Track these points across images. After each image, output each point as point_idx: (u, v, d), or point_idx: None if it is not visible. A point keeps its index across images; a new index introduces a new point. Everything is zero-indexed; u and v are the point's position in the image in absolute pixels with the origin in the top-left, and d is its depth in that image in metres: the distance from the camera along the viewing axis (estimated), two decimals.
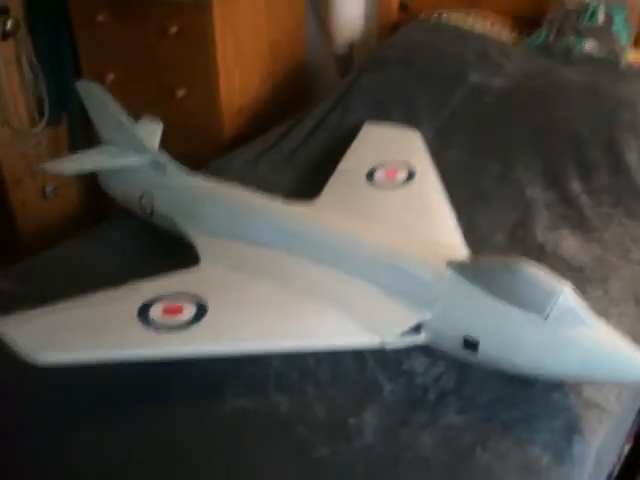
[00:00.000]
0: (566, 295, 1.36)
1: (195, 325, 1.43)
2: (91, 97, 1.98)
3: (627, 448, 1.88)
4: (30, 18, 2.73)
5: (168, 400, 1.44)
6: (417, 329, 1.48)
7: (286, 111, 2.66)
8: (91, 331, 1.42)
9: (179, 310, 1.47)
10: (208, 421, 1.40)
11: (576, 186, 2.03)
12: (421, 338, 1.48)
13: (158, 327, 1.42)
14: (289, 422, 1.38)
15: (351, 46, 2.99)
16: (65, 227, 2.95)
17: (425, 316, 1.46)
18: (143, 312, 1.46)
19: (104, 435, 1.37)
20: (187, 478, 1.31)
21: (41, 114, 2.85)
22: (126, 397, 1.44)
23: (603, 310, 1.60)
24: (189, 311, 1.47)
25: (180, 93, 2.63)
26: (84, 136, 2.85)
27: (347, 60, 3.01)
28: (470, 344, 1.43)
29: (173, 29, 2.53)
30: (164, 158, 1.91)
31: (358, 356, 1.50)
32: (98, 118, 2.01)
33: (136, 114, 2.13)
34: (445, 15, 2.69)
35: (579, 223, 1.91)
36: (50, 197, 2.96)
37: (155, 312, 1.46)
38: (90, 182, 2.17)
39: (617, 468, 1.77)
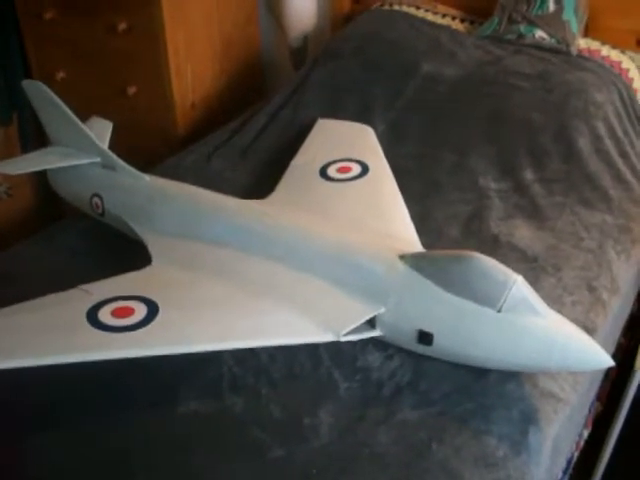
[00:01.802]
0: (518, 286, 1.36)
1: (146, 326, 1.41)
2: (38, 97, 1.94)
3: (586, 433, 1.90)
4: None
5: (120, 405, 1.41)
6: (371, 323, 1.47)
7: (241, 105, 2.64)
8: (40, 335, 1.39)
9: (130, 312, 1.45)
10: (162, 425, 1.37)
11: (529, 175, 2.04)
12: (375, 332, 1.48)
13: (108, 329, 1.40)
14: (244, 423, 1.37)
15: (305, 38, 2.97)
16: (19, 227, 2.90)
17: (379, 310, 1.45)
18: (92, 314, 1.43)
19: (54, 441, 1.34)
20: None
21: None
22: (77, 403, 1.41)
23: (557, 299, 1.62)
24: (140, 312, 1.44)
25: (132, 90, 2.60)
26: (36, 136, 2.80)
27: (301, 52, 2.99)
28: (424, 337, 1.43)
29: (122, 25, 2.49)
30: (114, 157, 1.87)
31: (313, 354, 1.49)
32: (46, 118, 1.97)
33: (87, 112, 2.10)
34: (397, 7, 2.68)
35: (532, 212, 1.91)
36: (2, 197, 2.91)
37: (104, 314, 1.43)
38: (44, 181, 2.13)
39: (576, 454, 1.79)
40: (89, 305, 1.45)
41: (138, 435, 1.36)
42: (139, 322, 1.42)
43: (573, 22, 2.40)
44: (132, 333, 1.39)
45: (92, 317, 1.42)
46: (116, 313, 1.43)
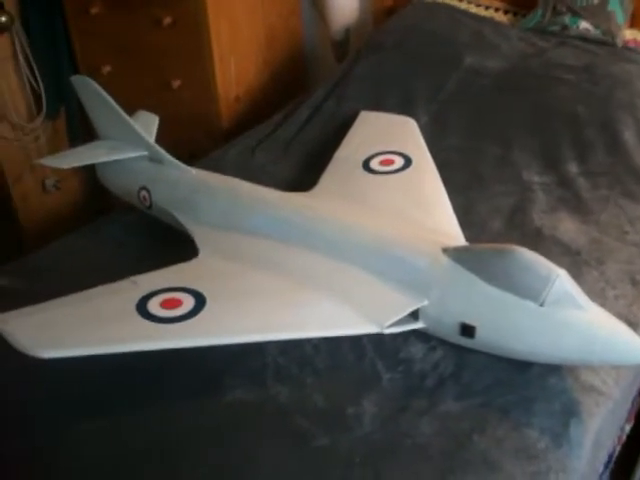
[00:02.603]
0: (561, 280, 1.37)
1: (194, 317, 1.44)
2: (86, 92, 1.98)
3: (628, 428, 1.88)
4: (24, 12, 2.72)
5: (166, 394, 1.45)
6: (414, 316, 1.49)
7: (284, 98, 2.65)
8: (90, 325, 1.43)
9: (178, 303, 1.48)
10: (207, 413, 1.41)
11: (573, 168, 2.03)
12: (418, 325, 1.49)
13: (157, 320, 1.43)
14: (288, 412, 1.39)
15: (347, 31, 2.98)
16: (67, 220, 2.96)
17: (422, 303, 1.47)
18: (141, 305, 1.46)
19: (102, 430, 1.38)
20: (187, 470, 1.31)
21: (39, 108, 2.85)
22: (123, 392, 1.45)
23: (600, 292, 1.61)
24: (188, 304, 1.47)
25: (176, 83, 2.64)
26: (83, 129, 2.85)
27: (344, 45, 3.00)
28: (467, 330, 1.44)
29: (167, 19, 2.53)
30: (161, 151, 1.91)
31: (356, 345, 1.51)
32: (94, 112, 2.01)
33: (133, 105, 2.14)
34: (439, 0, 2.68)
35: (576, 206, 1.90)
36: (50, 191, 2.97)
37: (153, 305, 1.47)
38: (91, 174, 2.17)
39: (617, 449, 1.78)
40: (139, 296, 1.49)
41: (183, 423, 1.39)
42: (187, 313, 1.45)
43: (619, 13, 2.38)
44: (180, 324, 1.42)
45: (141, 308, 1.45)
46: (165, 304, 1.47)
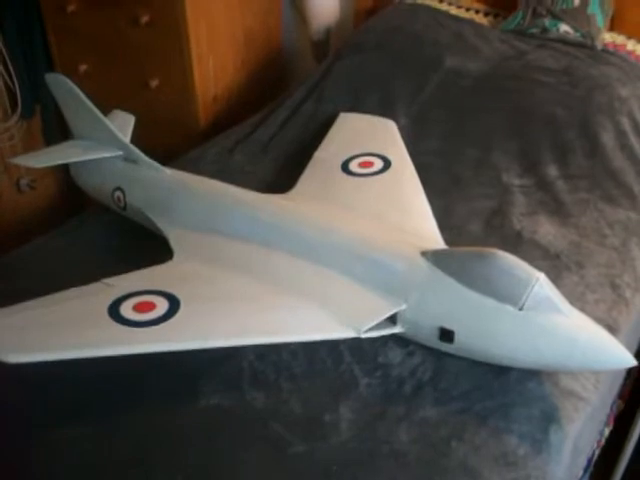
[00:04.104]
0: (540, 284, 1.36)
1: (168, 321, 1.41)
2: (61, 90, 1.94)
3: (607, 431, 1.88)
4: None
5: (142, 400, 1.42)
6: (392, 320, 1.47)
7: (263, 98, 2.64)
8: (61, 329, 1.39)
9: (152, 306, 1.45)
10: (183, 419, 1.38)
11: (552, 171, 2.02)
12: (396, 329, 1.47)
13: (130, 324, 1.40)
14: (265, 419, 1.37)
15: (327, 31, 2.96)
16: (42, 220, 2.92)
17: (400, 307, 1.45)
18: (114, 309, 1.44)
19: (78, 436, 1.35)
20: (162, 476, 1.29)
21: (14, 107, 2.80)
22: (99, 398, 1.42)
23: (579, 296, 1.60)
24: (161, 307, 1.45)
25: (154, 83, 2.61)
26: (59, 129, 2.81)
27: (323, 45, 2.98)
28: (446, 335, 1.42)
29: (145, 18, 2.49)
30: (136, 151, 1.88)
31: (334, 350, 1.49)
32: (69, 111, 1.98)
33: (110, 105, 2.11)
34: (420, 1, 2.67)
35: (555, 209, 1.90)
36: (25, 190, 2.93)
37: (126, 308, 1.44)
38: (66, 174, 2.14)
39: (597, 452, 1.78)
40: (111, 299, 1.46)
41: (159, 429, 1.36)
42: (160, 317, 1.42)
43: (598, 16, 2.38)
44: (153, 328, 1.39)
45: (114, 311, 1.43)
46: (138, 308, 1.44)
